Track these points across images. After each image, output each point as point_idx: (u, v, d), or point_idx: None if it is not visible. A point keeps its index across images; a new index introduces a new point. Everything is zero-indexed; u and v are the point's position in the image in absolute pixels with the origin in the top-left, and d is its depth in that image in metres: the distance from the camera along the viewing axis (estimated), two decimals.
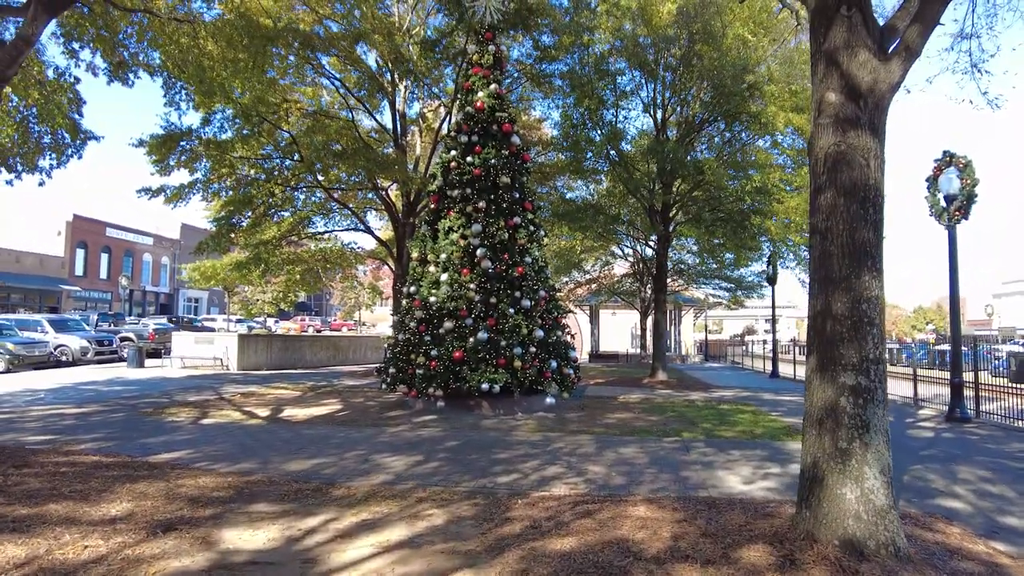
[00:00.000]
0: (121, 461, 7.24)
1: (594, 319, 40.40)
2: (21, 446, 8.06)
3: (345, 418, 11.02)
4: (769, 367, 26.63)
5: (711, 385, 18.99)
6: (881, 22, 4.80)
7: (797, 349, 27.79)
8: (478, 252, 11.34)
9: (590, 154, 19.34)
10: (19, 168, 13.87)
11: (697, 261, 29.81)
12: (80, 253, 50.31)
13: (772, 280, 24.10)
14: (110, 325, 29.27)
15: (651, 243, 22.31)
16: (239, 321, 49.54)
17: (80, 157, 14.70)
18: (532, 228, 12.12)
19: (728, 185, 17.31)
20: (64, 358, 23.10)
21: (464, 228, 11.61)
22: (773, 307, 24.85)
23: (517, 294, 11.39)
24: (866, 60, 4.46)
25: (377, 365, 12.41)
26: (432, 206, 12.53)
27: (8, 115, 12.53)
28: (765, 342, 38.07)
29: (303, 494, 6.15)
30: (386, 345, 12.53)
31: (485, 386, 10.58)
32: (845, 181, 4.43)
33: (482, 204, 11.57)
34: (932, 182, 12.33)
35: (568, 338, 12.49)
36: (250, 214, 19.00)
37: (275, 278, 24.74)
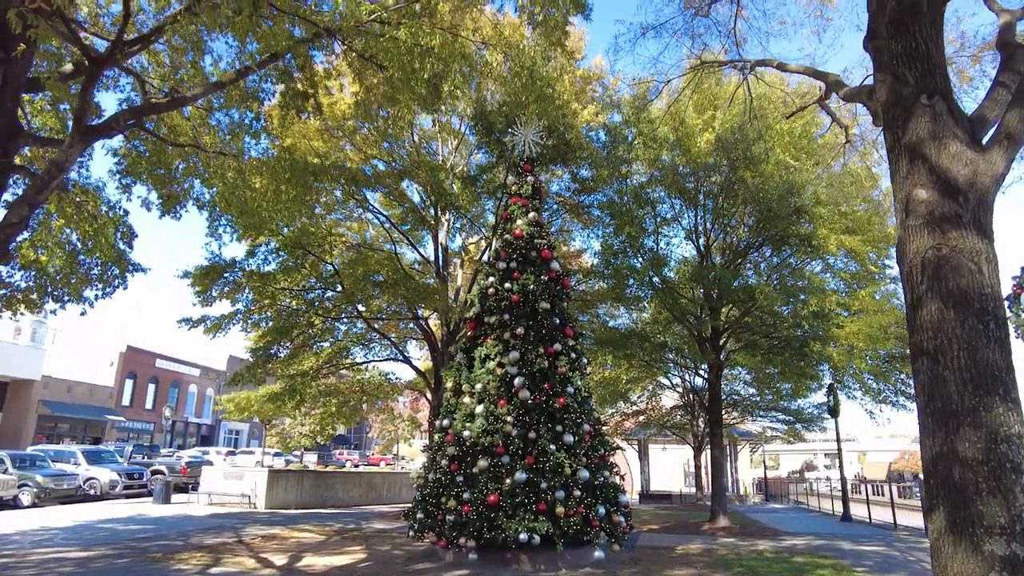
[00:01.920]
0: None
1: (643, 455, 38.11)
2: None
3: (367, 571, 9.82)
4: (837, 508, 24.12)
5: (778, 531, 16.94)
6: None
7: (868, 488, 25.18)
8: (516, 381, 10.55)
9: (632, 281, 18.85)
10: (65, 298, 14.08)
11: (752, 392, 28.18)
12: (129, 383, 51.17)
13: (834, 412, 22.29)
14: (144, 457, 28.74)
15: (701, 372, 21.13)
16: (277, 455, 48.59)
17: (125, 288, 14.89)
18: (574, 355, 11.35)
19: (781, 311, 16.42)
20: (92, 491, 22.41)
21: (501, 356, 10.92)
22: (838, 441, 22.82)
23: (559, 428, 10.42)
24: (959, 152, 3.83)
25: (406, 508, 11.31)
26: (469, 333, 11.97)
27: (59, 246, 12.83)
28: (828, 479, 35.02)
29: None
30: (415, 485, 11.49)
31: (524, 536, 9.35)
32: (953, 290, 3.64)
33: (520, 330, 10.95)
34: (1015, 301, 11.27)
35: (617, 479, 11.26)
36: (289, 345, 18.81)
37: (312, 410, 24.12)
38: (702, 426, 30.37)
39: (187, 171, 12.97)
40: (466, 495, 10.01)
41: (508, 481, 9.86)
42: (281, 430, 46.28)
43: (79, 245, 13.59)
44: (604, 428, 11.45)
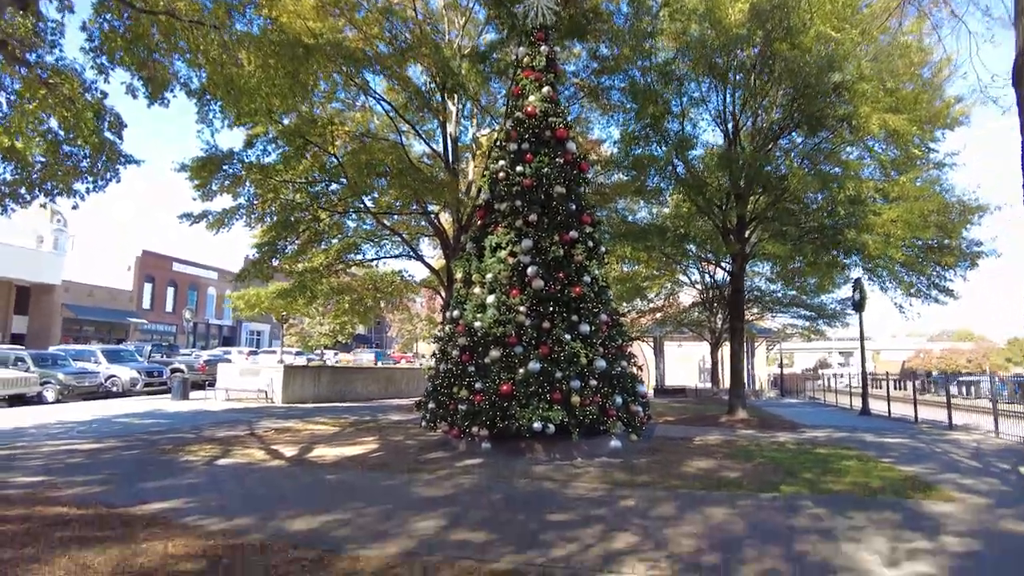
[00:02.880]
0: (92, 514, 6.01)
1: (659, 351, 38.12)
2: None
3: (378, 461, 9.61)
4: (854, 403, 23.97)
5: (797, 424, 16.73)
6: None
7: (891, 384, 24.91)
8: (529, 271, 9.89)
9: (653, 172, 17.80)
10: (54, 192, 13.43)
11: (773, 288, 27.53)
12: (148, 287, 51.70)
13: (859, 306, 21.61)
14: (163, 356, 29.16)
15: (724, 265, 20.40)
16: (299, 354, 49.50)
17: (118, 181, 14.18)
18: (591, 244, 10.59)
19: (815, 198, 15.39)
20: (115, 389, 22.78)
21: (513, 244, 10.21)
22: (861, 336, 22.29)
23: (574, 318, 9.85)
24: None
25: (419, 399, 11.03)
26: (479, 222, 11.22)
27: (40, 134, 12.02)
28: (841, 376, 34.90)
29: (298, 568, 4.73)
30: (426, 376, 11.15)
31: (538, 425, 9.00)
32: None
33: (533, 217, 10.16)
34: None
35: (635, 369, 10.80)
36: (296, 241, 18.23)
37: (325, 308, 23.92)
38: (720, 323, 30.00)
39: (169, 49, 11.90)
40: (478, 385, 9.62)
41: (521, 371, 9.42)
42: (300, 330, 46.88)
43: (61, 134, 12.81)
44: (623, 319, 10.85)
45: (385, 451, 10.62)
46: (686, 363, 44.03)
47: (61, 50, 11.94)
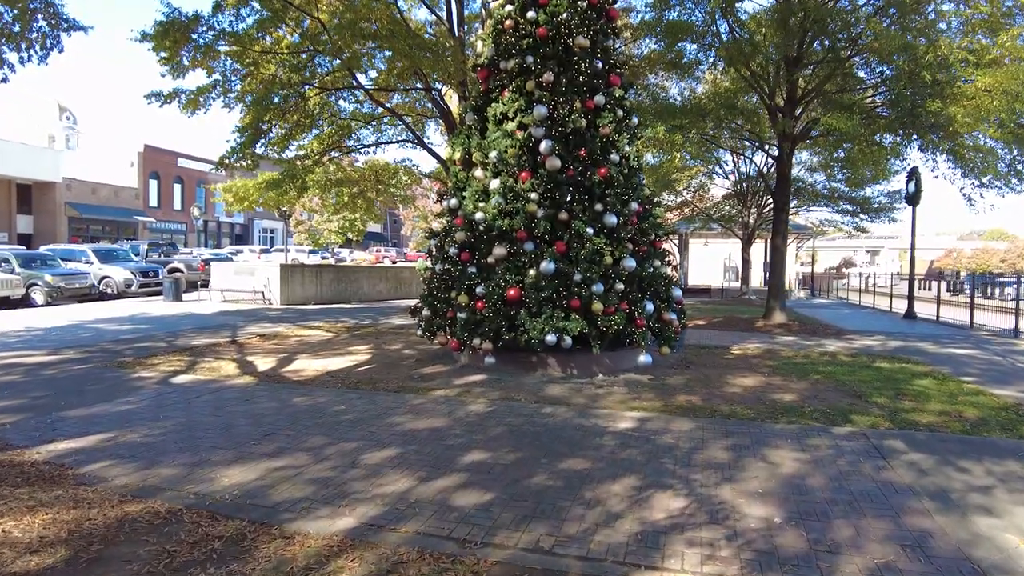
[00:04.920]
0: None
1: (683, 249, 36.14)
2: None
3: (364, 376, 8.14)
4: (895, 306, 22.20)
5: (842, 330, 15.06)
6: None
7: (926, 285, 22.88)
8: (542, 147, 7.90)
9: (691, 39, 15.17)
10: None
11: (815, 179, 25.10)
12: (153, 184, 49.99)
13: (914, 199, 19.31)
14: (160, 256, 27.89)
15: (768, 148, 18.06)
16: (312, 252, 48.28)
17: (60, 50, 12.10)
18: (621, 112, 8.48)
19: (876, 64, 12.82)
20: (109, 290, 21.65)
21: (523, 113, 8.15)
22: (913, 233, 20.03)
23: (598, 207, 7.96)
24: None
25: (415, 304, 9.43)
26: (481, 87, 9.12)
27: None
28: (867, 275, 32.83)
29: (201, 555, 3.25)
30: (421, 279, 9.48)
31: (551, 338, 7.35)
32: None
33: (549, 77, 8.04)
34: None
35: (669, 269, 9.00)
36: (282, 124, 16.13)
37: (324, 201, 22.10)
38: (753, 217, 27.79)
39: None
40: (480, 289, 7.92)
41: (532, 272, 7.67)
42: (309, 227, 45.39)
43: None
44: (658, 208, 8.93)
45: (376, 364, 9.15)
46: (711, 261, 42.17)
47: None
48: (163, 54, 13.80)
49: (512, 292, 7.57)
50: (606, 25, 8.65)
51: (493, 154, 8.27)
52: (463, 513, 3.86)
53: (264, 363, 9.15)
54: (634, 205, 8.24)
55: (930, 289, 41.02)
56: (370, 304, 20.99)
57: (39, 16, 11.75)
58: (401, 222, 70.02)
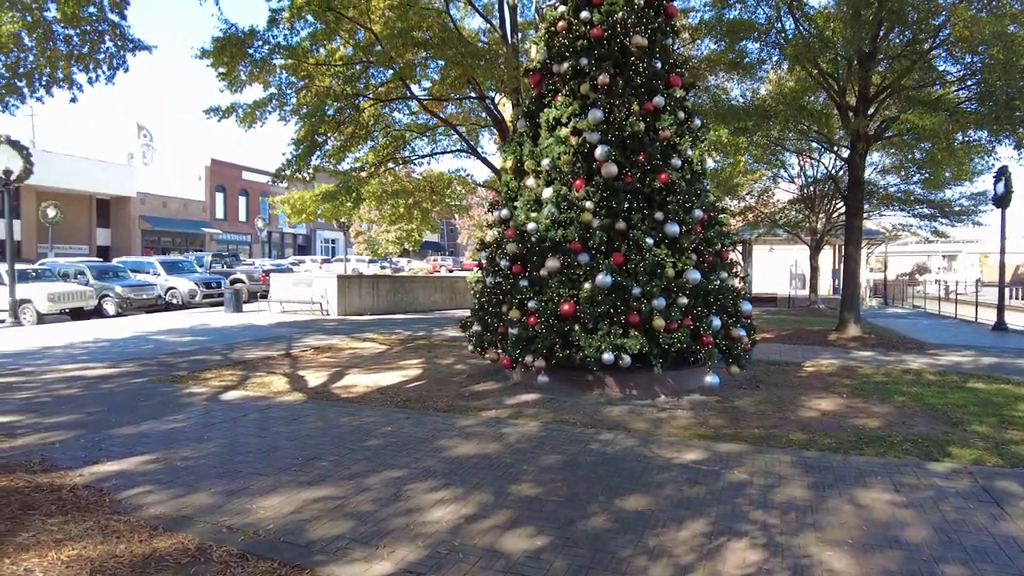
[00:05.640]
0: (5, 487, 4.47)
1: (747, 256, 34.81)
2: None
3: (414, 394, 7.86)
4: (981, 316, 20.62)
5: (924, 344, 13.94)
6: None
7: (1017, 292, 21.19)
8: (598, 152, 7.47)
9: (753, 38, 14.47)
10: (58, 83, 11.86)
11: (888, 181, 23.67)
12: (220, 196, 51.92)
13: (1003, 201, 17.89)
14: (224, 266, 28.66)
15: (838, 149, 17.05)
16: (371, 262, 49.05)
17: (126, 70, 12.42)
18: (683, 114, 7.97)
19: (959, 56, 11.82)
20: (174, 301, 22.34)
21: (577, 118, 7.74)
22: (1003, 236, 18.55)
23: (659, 215, 7.47)
24: None
25: (465, 318, 9.12)
26: (533, 92, 8.76)
27: (18, 6, 10.24)
28: (945, 282, 30.69)
29: None
30: (472, 292, 9.16)
31: (609, 356, 6.89)
32: None
33: (604, 79, 7.60)
34: None
35: (737, 281, 8.40)
36: (336, 136, 16.22)
37: (378, 212, 22.18)
38: (821, 223, 26.46)
39: None
40: (532, 303, 7.53)
41: (587, 286, 7.23)
42: (367, 237, 46.11)
43: (52, 12, 11.05)
44: (724, 216, 8.34)
45: (427, 380, 8.88)
46: (777, 268, 40.55)
47: None
48: (221, 69, 14.04)
49: (566, 307, 7.15)
50: (665, 23, 8.15)
51: (546, 161, 7.88)
52: (511, 561, 3.47)
53: (315, 378, 9.01)
54: (698, 212, 7.70)
55: (1021, 297, 38.23)
56: (425, 314, 20.91)
57: (106, 37, 12.10)
58: (457, 231, 70.56)
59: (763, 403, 7.35)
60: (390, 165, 18.21)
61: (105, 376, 9.02)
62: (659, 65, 7.92)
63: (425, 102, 16.84)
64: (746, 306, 8.12)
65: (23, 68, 11.05)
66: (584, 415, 6.68)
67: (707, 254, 7.84)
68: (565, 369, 7.59)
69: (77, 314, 19.00)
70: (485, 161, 18.69)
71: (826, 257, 32.67)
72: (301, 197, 17.89)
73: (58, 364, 10.02)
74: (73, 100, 11.59)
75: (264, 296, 22.83)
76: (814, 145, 20.78)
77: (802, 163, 26.08)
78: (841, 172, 21.69)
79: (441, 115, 18.33)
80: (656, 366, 7.10)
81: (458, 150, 19.69)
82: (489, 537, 3.76)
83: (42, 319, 17.82)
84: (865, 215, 27.31)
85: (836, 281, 35.58)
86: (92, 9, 11.53)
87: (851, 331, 14.38)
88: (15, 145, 17.69)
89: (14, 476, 4.76)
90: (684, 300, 7.21)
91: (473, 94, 16.77)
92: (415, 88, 16.55)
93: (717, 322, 7.48)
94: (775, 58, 15.62)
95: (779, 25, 14.06)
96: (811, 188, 25.69)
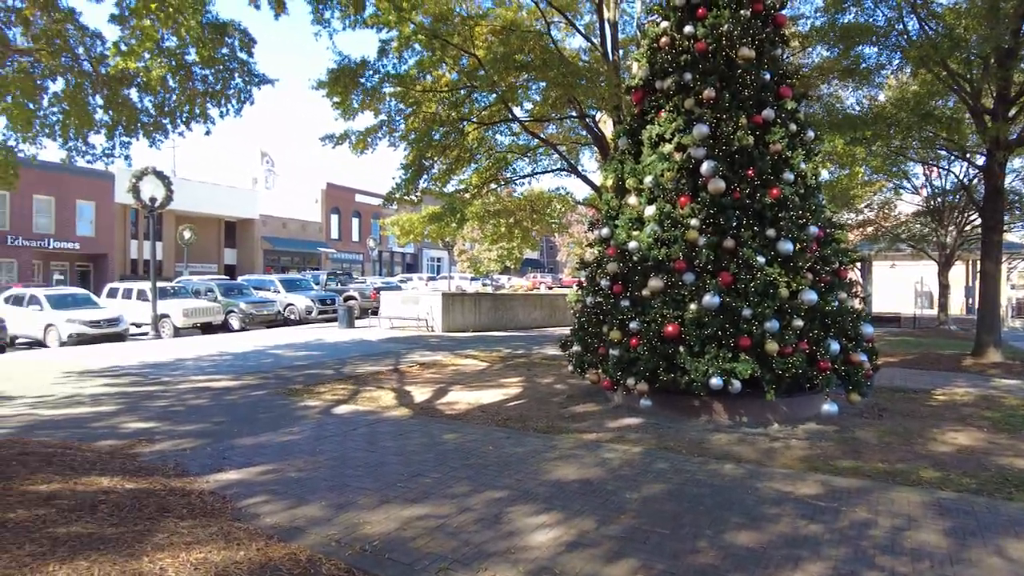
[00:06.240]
0: (141, 489, 4.86)
1: (866, 273, 32.55)
2: (66, 445, 6.19)
3: (515, 413, 7.89)
4: None
5: None
6: None
7: None
8: (704, 168, 7.24)
9: (871, 41, 13.64)
10: (196, 118, 13.01)
11: None
12: (335, 218, 54.94)
13: None
14: (338, 284, 30.19)
15: (972, 156, 15.65)
16: (473, 279, 50.11)
17: (252, 103, 13.45)
18: (794, 126, 7.60)
19: None
20: (292, 317, 23.76)
21: (681, 134, 7.56)
22: None
23: (770, 232, 7.12)
24: None
25: (564, 338, 9.06)
26: (635, 109, 8.65)
27: (165, 51, 11.35)
28: None
29: None
30: (571, 311, 9.10)
31: (717, 381, 6.61)
32: None
33: (710, 93, 7.38)
34: None
35: (856, 301, 7.84)
36: (442, 160, 16.77)
37: (480, 231, 22.65)
38: (951, 237, 24.30)
39: None
40: (634, 324, 7.38)
41: (693, 307, 6.99)
42: (470, 256, 47.13)
43: (192, 56, 12.17)
44: (841, 233, 7.84)
45: (526, 399, 8.90)
46: (900, 285, 37.61)
47: None
48: (336, 99, 14.90)
49: (670, 328, 6.93)
50: (773, 33, 7.83)
51: (648, 179, 7.74)
52: None
53: (420, 394, 9.26)
54: (813, 229, 7.28)
55: None
56: (524, 332, 21.03)
57: (236, 74, 13.19)
58: (557, 248, 70.75)
59: (888, 435, 6.78)
60: (492, 186, 18.59)
61: (229, 388, 9.71)
62: (768, 76, 7.60)
63: (527, 123, 17.09)
64: (867, 329, 7.56)
65: (167, 107, 12.20)
66: (690, 442, 6.43)
67: (824, 273, 7.38)
68: (669, 393, 7.36)
69: (206, 328, 20.66)
70: (585, 179, 18.67)
71: (957, 273, 29.94)
72: (410, 219, 18.61)
73: (190, 375, 10.90)
74: (207, 133, 12.65)
75: (375, 312, 23.81)
76: (942, 153, 19.19)
77: (928, 173, 24.15)
78: (975, 181, 19.88)
79: (542, 135, 18.52)
80: (768, 392, 6.73)
81: (558, 169, 19.81)
82: (591, 567, 3.67)
83: (177, 332, 19.50)
84: (1006, 227, 24.85)
85: (970, 300, 32.54)
86: (224, 50, 12.63)
87: (990, 356, 13.03)
88: (159, 175, 19.61)
89: (152, 479, 5.18)
90: (799, 322, 6.81)
91: (574, 113, 16.84)
92: (517, 110, 16.84)
93: (835, 346, 7.00)
94: (896, 62, 14.66)
95: (900, 26, 13.19)
96: (939, 199, 23.70)
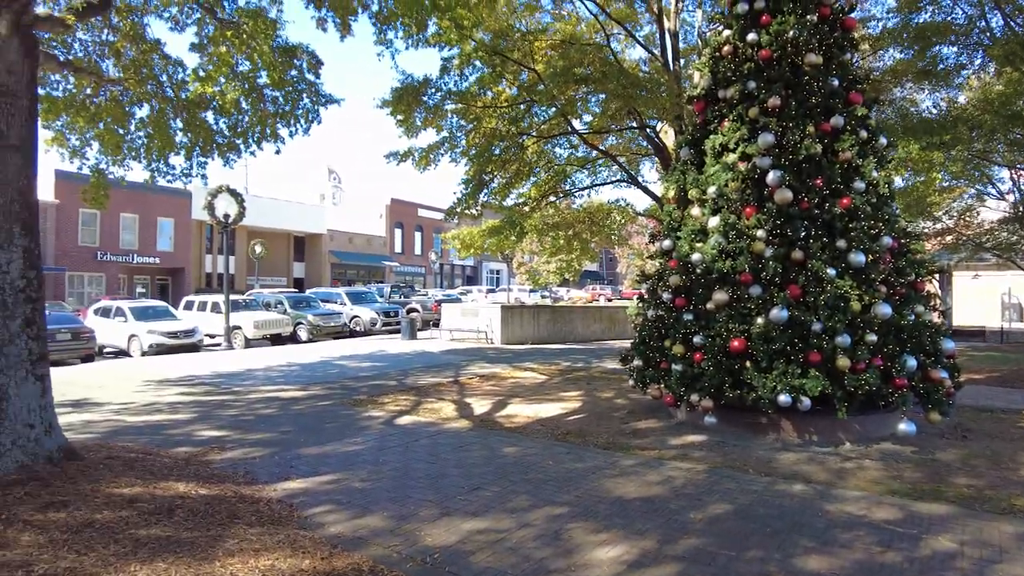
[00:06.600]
0: (215, 496, 5.06)
1: (945, 284, 30.81)
2: (146, 451, 6.50)
3: (574, 427, 7.84)
4: None
5: None
6: None
7: None
8: (770, 178, 7.04)
9: (947, 45, 13.04)
10: (267, 138, 13.59)
11: None
12: (398, 232, 56.20)
13: None
14: (401, 297, 30.77)
15: None
16: (532, 291, 50.20)
17: (319, 122, 13.95)
18: (865, 133, 7.31)
19: None
20: (357, 328, 24.36)
21: (746, 143, 7.38)
22: None
23: (841, 243, 6.85)
24: None
25: (625, 351, 8.94)
26: (697, 119, 8.51)
27: (238, 76, 11.92)
28: None
29: None
30: (632, 324, 8.97)
31: (785, 398, 6.38)
32: None
33: (775, 101, 7.19)
34: None
35: (935, 315, 7.43)
36: (502, 174, 16.93)
37: (539, 244, 22.68)
38: None
39: None
40: (697, 339, 7.21)
41: (760, 321, 6.78)
42: (529, 268, 47.22)
43: (263, 78, 12.73)
44: (916, 244, 7.48)
45: (586, 413, 8.82)
46: (984, 297, 35.44)
47: None
48: (399, 117, 15.29)
49: (736, 343, 6.75)
50: (842, 37, 7.57)
51: (712, 189, 7.59)
52: None
53: (480, 406, 9.32)
54: (887, 240, 6.96)
55: None
56: (584, 344, 20.88)
57: (304, 95, 13.73)
58: (616, 260, 70.16)
59: (973, 457, 6.38)
60: (551, 198, 18.61)
61: (296, 398, 10.02)
62: (836, 82, 7.34)
63: (586, 135, 17.07)
64: (948, 344, 7.15)
65: (240, 128, 12.79)
66: (757, 461, 6.22)
67: (898, 285, 7.04)
68: (735, 410, 7.15)
69: (276, 339, 21.42)
70: (646, 190, 18.45)
71: None
72: (470, 233, 18.85)
73: (259, 385, 11.31)
74: (277, 152, 13.20)
75: (436, 324, 24.17)
76: None
77: (1015, 177, 22.71)
78: None
79: (601, 147, 18.45)
80: (840, 410, 6.44)
81: (618, 181, 19.66)
82: None
83: (248, 343, 20.30)
84: None
85: None
86: (294, 72, 13.18)
87: None
88: (233, 193, 20.54)
89: (224, 486, 5.39)
90: (873, 337, 6.51)
91: (634, 124, 16.71)
92: (576, 123, 16.84)
93: (912, 362, 6.65)
94: (978, 61, 13.97)
95: (982, 24, 12.53)
96: None
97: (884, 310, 6.53)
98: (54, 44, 9.86)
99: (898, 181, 18.35)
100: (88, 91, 10.59)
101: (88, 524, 4.19)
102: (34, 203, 5.61)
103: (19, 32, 5.45)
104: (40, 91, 7.73)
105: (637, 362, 8.25)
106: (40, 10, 7.83)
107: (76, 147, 11.39)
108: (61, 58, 9.09)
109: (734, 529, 4.46)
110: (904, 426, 6.51)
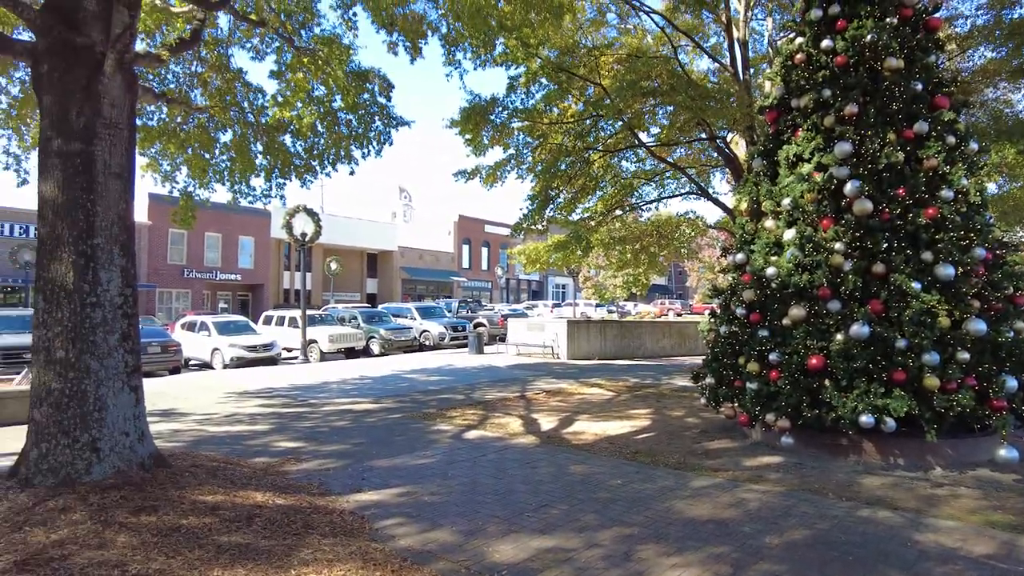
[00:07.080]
0: (290, 506, 5.24)
1: None
2: (227, 460, 6.79)
3: (643, 446, 7.69)
4: None
5: None
6: None
7: None
8: (848, 188, 6.76)
9: None
10: (341, 160, 14.11)
11: None
12: (465, 248, 57.06)
13: None
14: (468, 312, 31.12)
15: None
16: (598, 306, 49.80)
17: (391, 144, 14.38)
18: (952, 139, 6.91)
19: None
20: (427, 342, 24.79)
21: (821, 153, 7.12)
22: None
23: (927, 256, 6.48)
24: None
25: (697, 369, 8.72)
26: (769, 129, 8.28)
27: (315, 101, 12.46)
28: None
29: None
30: (704, 340, 8.74)
31: (867, 419, 6.05)
32: None
33: (852, 109, 6.91)
34: None
35: None
36: (568, 189, 16.95)
37: (606, 259, 22.46)
38: None
39: None
40: (773, 356, 6.96)
41: (839, 337, 6.49)
42: (595, 282, 46.88)
43: (337, 102, 13.25)
44: (1017, 255, 7.00)
45: (656, 431, 8.64)
46: None
47: (320, 16, 12.06)
48: (467, 136, 15.56)
49: (814, 361, 6.47)
50: (925, 39, 7.21)
51: (786, 201, 7.34)
52: None
53: (547, 422, 9.28)
54: (979, 251, 6.54)
55: None
56: (652, 360, 20.49)
57: (376, 118, 14.21)
58: (686, 274, 68.70)
59: None
60: (618, 212, 18.47)
61: (369, 411, 10.27)
62: (919, 87, 6.99)
63: (653, 148, 16.89)
64: None
65: (316, 150, 13.35)
66: (836, 485, 5.92)
67: (994, 300, 6.59)
68: (812, 430, 6.84)
69: (349, 353, 22.06)
70: (716, 202, 18.04)
71: None
72: (536, 248, 18.92)
73: (333, 398, 11.66)
74: (351, 172, 13.67)
75: (502, 339, 24.30)
76: None
77: None
78: None
79: (669, 159, 18.20)
80: (929, 433, 6.06)
81: (687, 193, 19.32)
82: None
83: (324, 357, 20.99)
84: None
85: None
86: (366, 96, 13.67)
87: None
88: (309, 212, 21.38)
89: (299, 497, 5.57)
90: (964, 355, 6.10)
91: (703, 135, 16.42)
92: (643, 136, 16.71)
93: (1013, 382, 6.19)
94: None
95: None
96: None
97: (978, 326, 6.12)
98: (150, 77, 10.60)
99: (991, 188, 17.29)
100: (179, 119, 11.31)
101: (175, 528, 4.43)
102: (131, 225, 6.03)
103: (121, 69, 5.89)
104: (137, 121, 8.32)
105: (709, 380, 8.03)
106: (139, 47, 8.45)
107: (167, 172, 12.15)
108: (156, 90, 9.77)
109: (813, 556, 4.26)
110: (1004, 452, 6.04)
